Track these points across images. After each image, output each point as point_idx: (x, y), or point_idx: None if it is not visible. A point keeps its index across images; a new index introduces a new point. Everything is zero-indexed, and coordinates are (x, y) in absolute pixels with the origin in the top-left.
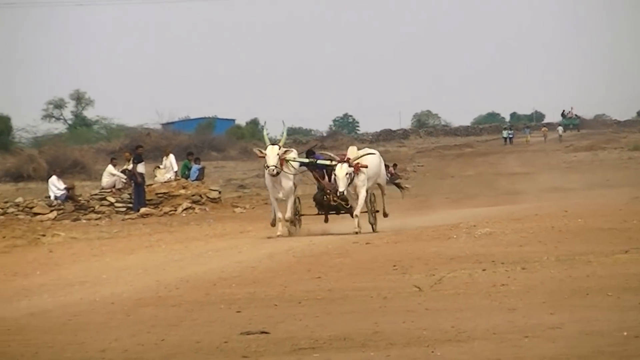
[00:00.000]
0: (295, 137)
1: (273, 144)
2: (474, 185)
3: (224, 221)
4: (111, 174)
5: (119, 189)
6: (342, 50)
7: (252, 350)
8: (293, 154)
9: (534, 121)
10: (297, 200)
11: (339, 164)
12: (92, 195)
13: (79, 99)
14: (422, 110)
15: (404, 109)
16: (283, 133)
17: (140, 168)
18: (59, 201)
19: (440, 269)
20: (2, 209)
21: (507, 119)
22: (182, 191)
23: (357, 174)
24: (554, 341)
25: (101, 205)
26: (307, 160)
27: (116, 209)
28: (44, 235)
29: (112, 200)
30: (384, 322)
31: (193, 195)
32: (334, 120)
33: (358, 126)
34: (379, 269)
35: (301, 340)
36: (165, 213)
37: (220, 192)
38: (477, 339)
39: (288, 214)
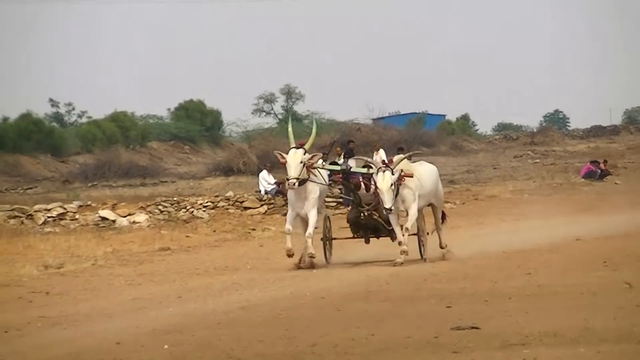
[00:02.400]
0: (506, 132)
1: (298, 147)
2: None
3: None
4: None
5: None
6: (554, 45)
7: (463, 346)
8: (319, 162)
9: None
10: (327, 221)
11: (380, 173)
12: None
13: (289, 93)
14: (633, 106)
15: (615, 105)
16: (312, 131)
17: (352, 163)
18: (269, 195)
19: None
20: (212, 202)
21: None
22: None
23: (402, 185)
24: None
25: None
26: (337, 168)
27: (326, 204)
28: (254, 230)
29: None
30: (594, 319)
31: None
32: (544, 116)
33: (569, 122)
34: (588, 265)
35: (511, 336)
36: None
37: None
38: None
39: (309, 231)
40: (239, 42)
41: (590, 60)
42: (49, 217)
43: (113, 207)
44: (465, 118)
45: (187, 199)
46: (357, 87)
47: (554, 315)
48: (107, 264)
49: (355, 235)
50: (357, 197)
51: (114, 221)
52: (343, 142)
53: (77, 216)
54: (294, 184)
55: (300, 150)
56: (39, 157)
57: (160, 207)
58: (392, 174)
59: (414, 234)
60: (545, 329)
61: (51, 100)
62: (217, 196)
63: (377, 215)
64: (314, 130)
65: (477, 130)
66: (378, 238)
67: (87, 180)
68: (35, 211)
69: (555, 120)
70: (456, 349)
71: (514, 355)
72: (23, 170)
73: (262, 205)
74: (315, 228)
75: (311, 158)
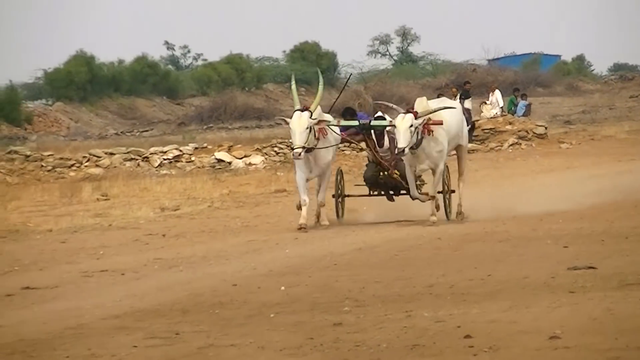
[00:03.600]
0: (621, 73)
1: (302, 110)
2: None
3: (550, 157)
4: None
5: None
6: None
7: (579, 286)
8: (325, 116)
9: None
10: (339, 176)
11: (401, 115)
12: None
13: (404, 34)
14: None
15: None
16: (319, 89)
17: (467, 104)
18: None
19: None
20: None
21: None
22: (509, 127)
23: (428, 135)
24: None
25: None
26: (354, 123)
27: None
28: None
29: None
30: None
31: (519, 131)
32: None
33: None
34: None
35: (628, 276)
36: (492, 149)
37: (546, 128)
38: None
39: (321, 198)
40: None
41: None
42: (164, 159)
43: (229, 149)
44: (580, 59)
45: None
46: (473, 27)
47: None
48: (223, 205)
49: (371, 193)
50: (377, 155)
51: (229, 163)
52: (459, 83)
53: (192, 158)
54: (300, 154)
55: (306, 114)
56: (155, 99)
57: (276, 148)
58: (415, 119)
59: (440, 192)
60: None
61: (167, 42)
62: None
63: (398, 174)
64: (320, 88)
65: (592, 70)
66: (397, 195)
67: (202, 123)
68: (151, 153)
69: None
70: (573, 289)
71: (632, 295)
72: (139, 113)
73: None
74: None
75: (318, 123)
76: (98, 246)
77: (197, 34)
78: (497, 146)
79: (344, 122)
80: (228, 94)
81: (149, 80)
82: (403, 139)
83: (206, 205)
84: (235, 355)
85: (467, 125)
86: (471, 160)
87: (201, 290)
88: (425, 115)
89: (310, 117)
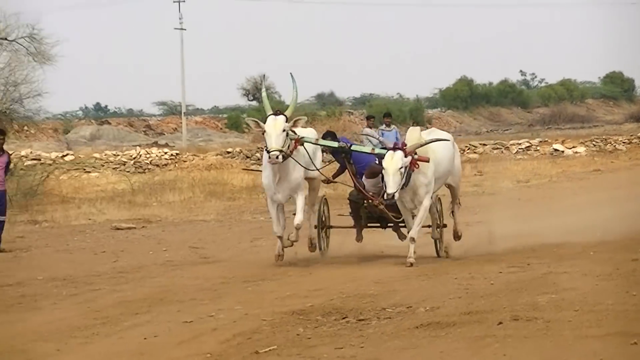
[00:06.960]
0: None
1: (276, 114)
2: None
3: None
4: None
5: None
6: None
7: None
8: (308, 131)
9: None
10: (322, 205)
11: (390, 153)
12: None
13: None
14: None
15: None
16: (294, 93)
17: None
18: None
19: None
20: (628, 139)
21: None
22: None
23: (415, 171)
24: None
25: None
26: (335, 144)
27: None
28: None
29: None
30: None
31: None
32: None
33: None
34: None
35: None
36: None
37: None
38: None
39: (298, 218)
40: None
41: None
42: (519, 148)
43: (562, 142)
44: None
45: (611, 137)
46: None
47: None
48: (558, 180)
49: (355, 225)
50: (359, 183)
51: (562, 152)
52: None
53: (538, 148)
54: (277, 157)
55: (281, 117)
56: (513, 109)
57: (593, 142)
58: (405, 157)
59: (427, 226)
60: None
61: (521, 71)
62: (632, 135)
63: (384, 204)
64: (294, 94)
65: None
66: (384, 228)
67: (544, 125)
68: (511, 144)
69: None
70: None
71: None
72: (502, 118)
73: None
74: None
75: (294, 123)
76: (475, 206)
77: (541, 64)
78: None
79: (322, 142)
80: (561, 106)
81: (508, 96)
82: (392, 183)
83: (547, 180)
84: (566, 279)
85: None
86: None
87: (546, 232)
88: (414, 149)
89: (286, 122)
